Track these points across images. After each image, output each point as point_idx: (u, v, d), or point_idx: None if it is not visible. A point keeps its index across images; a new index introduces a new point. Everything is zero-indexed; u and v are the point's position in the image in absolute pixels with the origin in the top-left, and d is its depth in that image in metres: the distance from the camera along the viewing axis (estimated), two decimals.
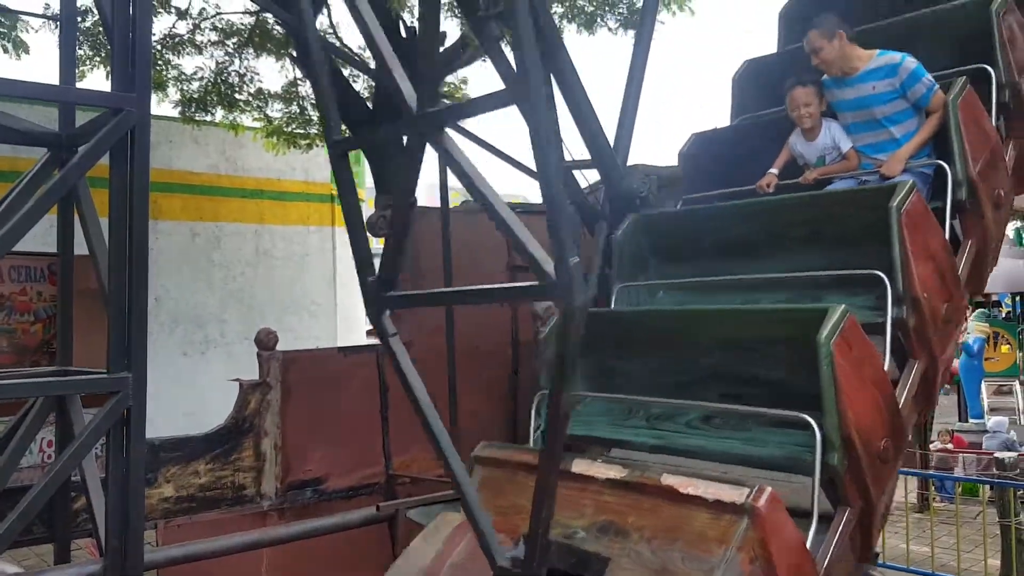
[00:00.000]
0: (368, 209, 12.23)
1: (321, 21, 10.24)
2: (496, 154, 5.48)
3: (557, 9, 9.96)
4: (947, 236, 3.71)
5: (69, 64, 3.81)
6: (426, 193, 7.34)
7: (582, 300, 2.38)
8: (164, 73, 10.35)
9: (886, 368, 3.26)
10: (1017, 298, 13.92)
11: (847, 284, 3.55)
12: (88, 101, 3.84)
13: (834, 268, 3.62)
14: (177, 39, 10.35)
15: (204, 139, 11.54)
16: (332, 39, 10.46)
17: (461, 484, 2.86)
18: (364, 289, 3.19)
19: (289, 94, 11.17)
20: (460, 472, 2.90)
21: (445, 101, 9.62)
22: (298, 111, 11.19)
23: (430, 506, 4.02)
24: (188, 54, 10.54)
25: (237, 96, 10.82)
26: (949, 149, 3.84)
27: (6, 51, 9.30)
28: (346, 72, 10.74)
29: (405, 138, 3.02)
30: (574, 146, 5.15)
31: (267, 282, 12.09)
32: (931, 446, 10.10)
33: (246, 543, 3.78)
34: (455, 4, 9.62)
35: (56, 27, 7.51)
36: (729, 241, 4.13)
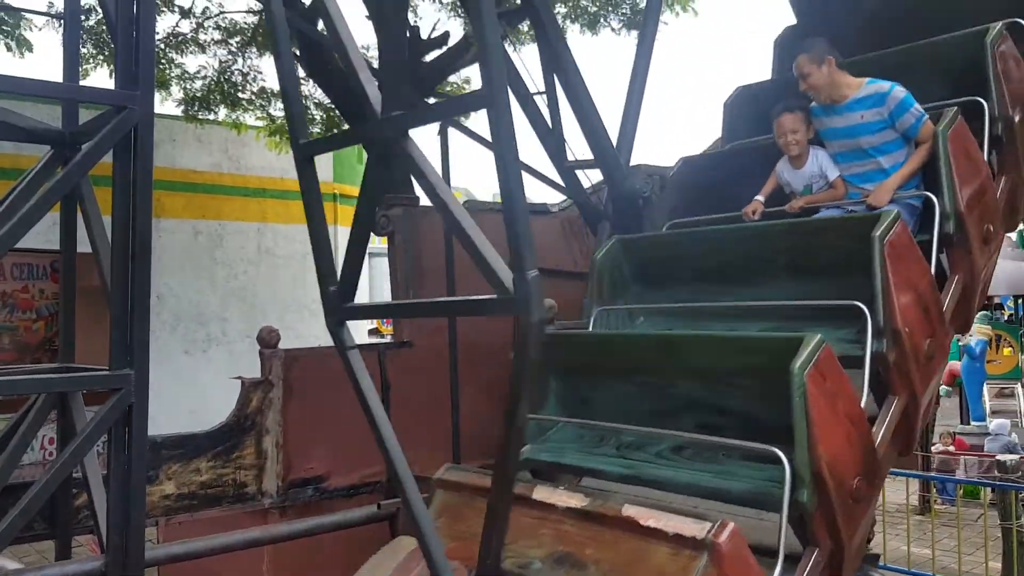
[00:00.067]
0: None
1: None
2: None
3: (560, 9, 9.97)
4: (933, 270, 3.61)
5: (73, 62, 3.81)
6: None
7: (539, 316, 2.30)
8: (167, 72, 10.37)
9: (863, 404, 3.14)
10: (1019, 300, 13.87)
11: (830, 315, 3.45)
12: (92, 98, 3.84)
13: (817, 298, 3.53)
14: (180, 38, 10.37)
15: (207, 138, 11.56)
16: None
17: (414, 509, 2.76)
18: (324, 299, 3.14)
19: None
20: (413, 496, 2.80)
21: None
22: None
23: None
24: (191, 53, 10.56)
25: (240, 95, 10.84)
26: (938, 181, 3.74)
27: (9, 49, 9.33)
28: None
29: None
30: (577, 146, 5.16)
31: (269, 281, 12.10)
32: (932, 448, 10.09)
33: (247, 541, 3.78)
34: (458, 4, 9.63)
35: (60, 25, 7.52)
36: (711, 267, 4.05)
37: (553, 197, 6.79)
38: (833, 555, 2.97)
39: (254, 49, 10.68)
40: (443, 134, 8.26)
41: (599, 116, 4.78)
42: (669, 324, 4.13)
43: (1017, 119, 4.10)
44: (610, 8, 10.11)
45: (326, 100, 10.60)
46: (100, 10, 8.57)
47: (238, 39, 10.73)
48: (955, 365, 12.64)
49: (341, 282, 3.12)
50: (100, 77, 10.63)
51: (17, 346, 9.47)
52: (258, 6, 10.07)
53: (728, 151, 4.91)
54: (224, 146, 11.75)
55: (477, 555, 2.80)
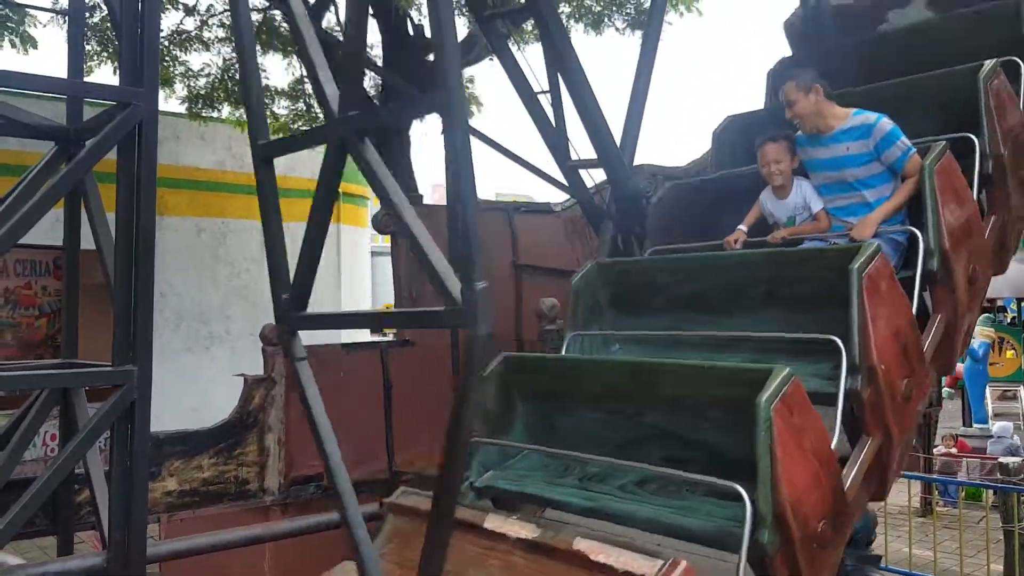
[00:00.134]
0: (374, 207, 12.25)
1: (329, 19, 10.26)
2: (500, 151, 5.48)
3: (564, 9, 9.96)
4: (915, 309, 3.47)
5: (77, 59, 3.82)
6: (429, 193, 7.35)
7: (486, 330, 2.21)
8: (171, 69, 10.37)
9: (835, 443, 2.98)
10: (1023, 303, 13.85)
11: (808, 349, 3.29)
12: (96, 95, 3.85)
13: (795, 330, 3.41)
14: (184, 35, 10.38)
15: (210, 135, 11.56)
16: (339, 36, 10.47)
17: (355, 535, 2.65)
18: (276, 306, 3.05)
19: (295, 91, 11.19)
20: (355, 520, 2.70)
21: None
22: (304, 108, 11.20)
23: None
24: (195, 50, 10.56)
25: None
26: (923, 216, 3.61)
27: (14, 46, 9.34)
28: None
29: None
30: (581, 145, 5.16)
31: None
32: (935, 450, 10.09)
33: (249, 538, 3.79)
34: (462, 3, 9.63)
35: (64, 22, 7.52)
36: (689, 295, 3.95)
37: (556, 196, 6.81)
38: None
39: (257, 47, 10.68)
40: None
41: (603, 115, 4.78)
42: (644, 352, 4.00)
43: (1007, 156, 4.00)
44: (614, 8, 10.10)
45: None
46: (105, 7, 8.59)
47: None
48: (958, 367, 12.63)
49: (294, 288, 3.01)
50: (104, 74, 10.67)
51: (20, 342, 9.49)
52: (263, 3, 10.08)
53: (715, 178, 4.81)
54: (227, 144, 11.74)
55: None
